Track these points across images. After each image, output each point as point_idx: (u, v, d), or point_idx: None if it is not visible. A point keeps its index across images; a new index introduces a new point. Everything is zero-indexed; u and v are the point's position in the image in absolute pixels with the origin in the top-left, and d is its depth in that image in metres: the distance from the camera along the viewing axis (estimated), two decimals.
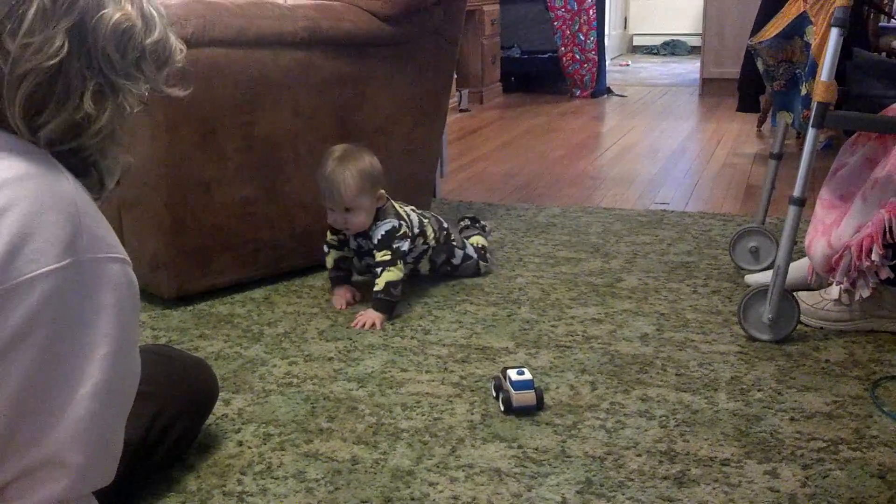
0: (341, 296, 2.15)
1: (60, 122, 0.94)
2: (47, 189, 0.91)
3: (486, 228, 2.58)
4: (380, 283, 2.04)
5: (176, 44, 1.03)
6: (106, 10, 0.94)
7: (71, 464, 0.92)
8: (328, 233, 2.16)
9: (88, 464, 0.93)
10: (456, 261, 2.28)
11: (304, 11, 2.24)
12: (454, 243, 2.27)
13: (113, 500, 1.21)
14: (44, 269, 0.88)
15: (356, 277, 2.21)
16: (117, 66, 0.96)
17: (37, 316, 0.88)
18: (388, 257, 2.05)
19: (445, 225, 2.28)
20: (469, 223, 2.57)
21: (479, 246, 2.37)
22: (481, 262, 2.32)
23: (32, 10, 0.90)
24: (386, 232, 2.07)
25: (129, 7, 0.96)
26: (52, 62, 0.91)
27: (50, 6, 0.91)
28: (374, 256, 2.09)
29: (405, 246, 2.09)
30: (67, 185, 0.93)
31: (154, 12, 1.00)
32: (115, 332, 0.93)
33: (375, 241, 2.07)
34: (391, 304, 2.05)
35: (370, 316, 2.01)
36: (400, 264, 2.07)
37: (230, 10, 2.09)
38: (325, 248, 2.18)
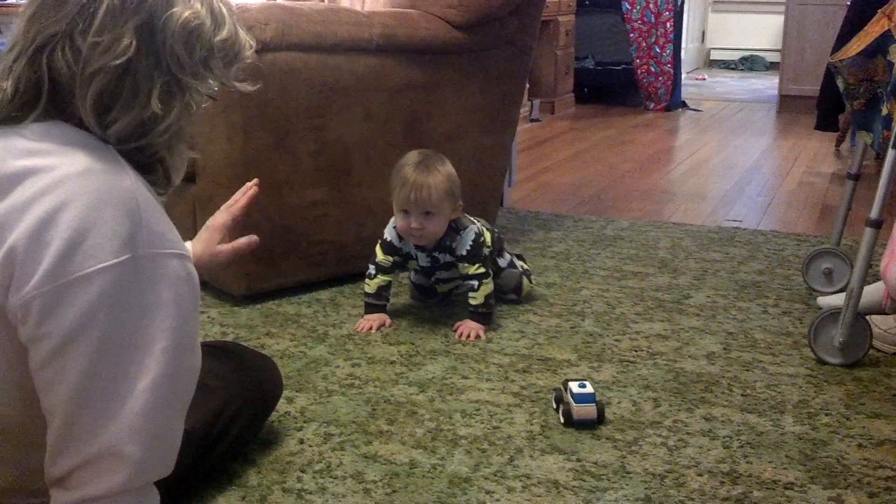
0: (375, 320, 2.03)
1: (129, 120, 0.95)
2: (107, 185, 0.92)
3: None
4: (479, 297, 2.01)
5: (245, 39, 1.03)
6: (175, 9, 0.95)
7: (129, 456, 0.93)
8: (379, 252, 2.06)
9: (146, 456, 0.94)
10: (502, 262, 2.17)
11: (381, 18, 2.26)
12: (504, 246, 2.22)
13: (176, 492, 1.23)
14: (102, 265, 0.89)
15: (402, 294, 2.22)
16: (185, 65, 0.97)
17: (95, 310, 0.89)
18: (482, 270, 2.02)
19: (496, 230, 2.22)
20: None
21: (524, 268, 2.25)
22: (525, 278, 2.19)
23: (103, 9, 0.92)
24: (473, 242, 2.02)
25: (198, 5, 0.97)
26: (119, 61, 0.92)
27: (119, 5, 0.92)
28: (445, 269, 2.07)
29: (486, 252, 2.07)
30: (128, 181, 0.94)
31: (223, 9, 1.00)
32: (173, 326, 0.94)
33: (464, 253, 2.02)
34: (491, 316, 2.04)
35: (473, 326, 2.00)
36: (491, 275, 2.05)
37: (309, 16, 2.12)
38: (372, 270, 2.06)
